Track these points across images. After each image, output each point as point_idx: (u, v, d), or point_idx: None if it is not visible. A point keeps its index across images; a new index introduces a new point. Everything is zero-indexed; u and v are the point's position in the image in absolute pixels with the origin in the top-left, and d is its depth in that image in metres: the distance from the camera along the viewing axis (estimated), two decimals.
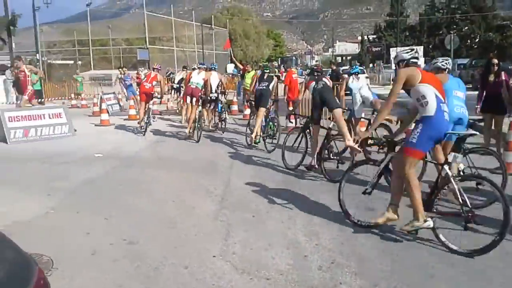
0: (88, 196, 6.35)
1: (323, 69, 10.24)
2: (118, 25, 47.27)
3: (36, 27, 28.46)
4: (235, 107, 17.30)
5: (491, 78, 8.36)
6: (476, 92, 9.26)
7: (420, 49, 24.70)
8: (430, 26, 49.74)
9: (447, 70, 6.17)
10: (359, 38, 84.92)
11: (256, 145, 10.07)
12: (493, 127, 8.64)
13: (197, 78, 11.70)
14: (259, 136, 10.03)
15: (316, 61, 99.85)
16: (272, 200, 5.99)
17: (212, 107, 12.90)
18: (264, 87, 10.03)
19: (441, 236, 4.35)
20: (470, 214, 4.22)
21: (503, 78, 8.28)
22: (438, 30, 48.59)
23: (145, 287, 3.63)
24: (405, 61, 4.83)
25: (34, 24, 28.24)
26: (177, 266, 3.98)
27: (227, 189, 6.63)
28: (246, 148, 10.00)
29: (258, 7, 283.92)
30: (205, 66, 12.76)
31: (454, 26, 47.58)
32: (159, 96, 13.04)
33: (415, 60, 4.85)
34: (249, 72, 15.15)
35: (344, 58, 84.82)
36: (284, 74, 17.36)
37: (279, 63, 47.13)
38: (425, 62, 22.82)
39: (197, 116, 11.26)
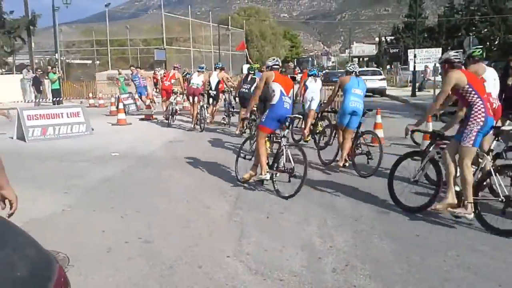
0: (104, 195, 6.42)
1: (340, 70, 11.25)
2: (136, 26, 47.50)
3: (56, 27, 28.75)
4: None
5: (510, 81, 8.24)
6: None
7: (439, 51, 24.36)
8: (449, 28, 49.02)
9: (354, 72, 7.98)
10: (377, 39, 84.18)
11: (244, 134, 11.32)
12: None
13: (197, 80, 13.32)
14: (245, 128, 11.72)
15: (333, 62, 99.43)
16: (287, 201, 5.98)
17: (214, 103, 14.10)
18: (246, 90, 11.40)
19: (276, 186, 6.32)
20: (291, 171, 6.15)
21: None
22: (457, 32, 47.89)
23: (160, 286, 3.65)
24: (269, 67, 6.80)
25: (53, 24, 28.53)
26: (191, 266, 3.99)
27: (241, 189, 6.63)
28: None
29: (275, 8, 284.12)
30: (203, 70, 14.03)
31: (473, 28, 46.84)
32: (180, 91, 15.29)
33: (276, 66, 6.83)
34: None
35: (361, 59, 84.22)
36: (300, 75, 17.29)
37: (295, 64, 46.93)
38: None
39: (199, 111, 13.03)
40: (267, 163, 6.53)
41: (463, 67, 5.46)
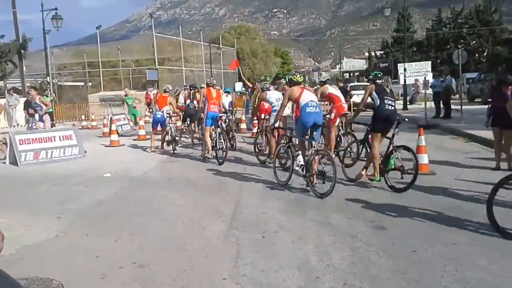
0: (97, 218, 6.35)
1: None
2: (127, 47, 47.63)
3: (47, 50, 28.84)
4: (243, 126, 17.32)
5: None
6: (486, 106, 9.20)
7: (428, 64, 24.53)
8: (437, 41, 49.54)
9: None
10: (366, 54, 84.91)
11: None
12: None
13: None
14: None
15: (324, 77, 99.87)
16: (282, 219, 5.94)
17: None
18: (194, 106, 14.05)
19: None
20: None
21: (509, 92, 8.29)
22: (445, 45, 48.42)
23: None
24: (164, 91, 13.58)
25: (44, 47, 28.62)
26: None
27: (236, 209, 6.59)
28: (255, 167, 9.99)
29: (265, 26, 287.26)
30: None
31: (462, 41, 47.44)
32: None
33: (167, 90, 13.37)
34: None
35: (352, 74, 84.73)
36: None
37: (287, 81, 47.10)
38: (433, 77, 22.71)
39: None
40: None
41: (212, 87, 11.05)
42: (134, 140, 16.13)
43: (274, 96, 10.87)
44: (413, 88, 29.01)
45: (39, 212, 6.73)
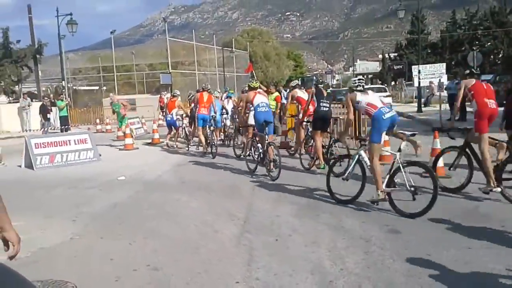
0: (112, 221, 6.40)
1: (344, 88, 11.98)
2: (141, 51, 47.99)
3: (62, 54, 29.17)
4: None
5: None
6: (501, 109, 9.07)
7: (443, 66, 24.28)
8: (452, 43, 49.08)
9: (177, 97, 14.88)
10: (380, 56, 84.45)
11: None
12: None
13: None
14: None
15: (337, 80, 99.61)
16: (295, 223, 5.93)
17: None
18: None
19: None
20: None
21: None
22: (460, 46, 48.01)
23: None
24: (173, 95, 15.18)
25: (59, 52, 28.97)
26: None
27: (249, 212, 6.59)
28: (263, 168, 9.97)
29: (278, 29, 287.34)
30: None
31: (477, 42, 46.98)
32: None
33: (175, 94, 14.89)
34: (272, 93, 15.17)
35: (365, 76, 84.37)
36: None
37: (300, 83, 47.00)
38: (448, 79, 22.49)
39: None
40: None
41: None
42: (148, 143, 16.23)
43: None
44: (427, 91, 28.76)
45: (54, 215, 6.81)
